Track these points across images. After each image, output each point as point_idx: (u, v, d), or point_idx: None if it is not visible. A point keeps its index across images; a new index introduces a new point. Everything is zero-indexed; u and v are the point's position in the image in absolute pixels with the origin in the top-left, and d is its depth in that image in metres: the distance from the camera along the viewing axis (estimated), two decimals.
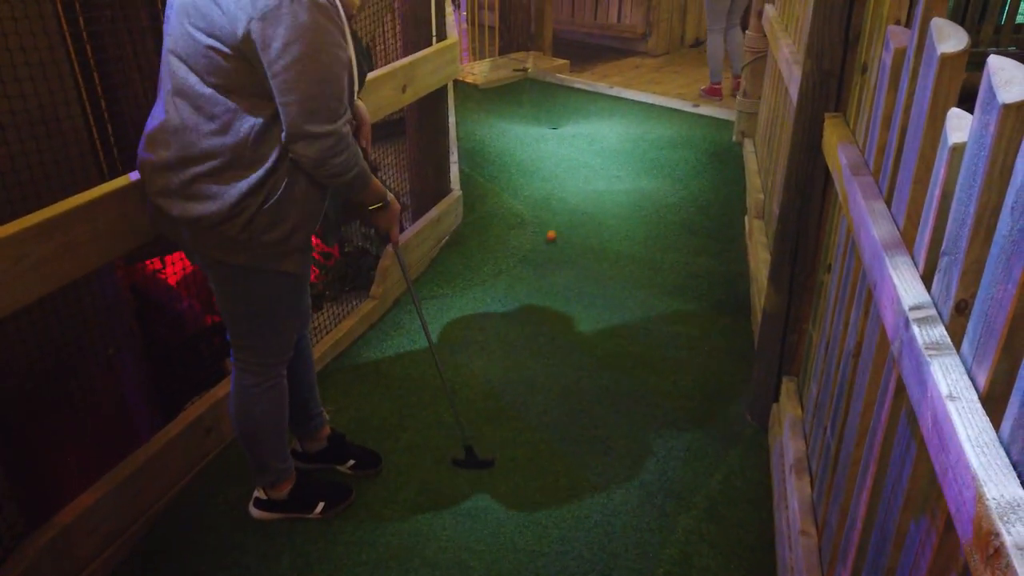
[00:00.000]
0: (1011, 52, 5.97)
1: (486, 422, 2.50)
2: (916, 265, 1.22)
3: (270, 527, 2.10)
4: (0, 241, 1.56)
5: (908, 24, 1.60)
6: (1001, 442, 0.81)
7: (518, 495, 2.22)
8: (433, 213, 3.54)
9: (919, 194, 1.27)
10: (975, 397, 0.89)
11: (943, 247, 1.06)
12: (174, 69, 1.63)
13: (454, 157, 4.00)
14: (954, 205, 1.02)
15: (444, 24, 3.50)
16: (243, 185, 1.63)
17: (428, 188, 3.64)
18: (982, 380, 0.89)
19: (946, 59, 1.18)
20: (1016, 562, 0.67)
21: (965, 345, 0.95)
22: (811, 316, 2.22)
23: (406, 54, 3.31)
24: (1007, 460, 0.78)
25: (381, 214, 1.94)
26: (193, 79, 1.60)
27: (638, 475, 2.29)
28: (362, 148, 2.03)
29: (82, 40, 2.04)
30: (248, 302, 1.82)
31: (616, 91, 5.77)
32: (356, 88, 1.74)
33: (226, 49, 1.55)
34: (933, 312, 1.08)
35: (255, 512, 2.12)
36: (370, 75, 2.85)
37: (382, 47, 3.54)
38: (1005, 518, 0.71)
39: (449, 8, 3.71)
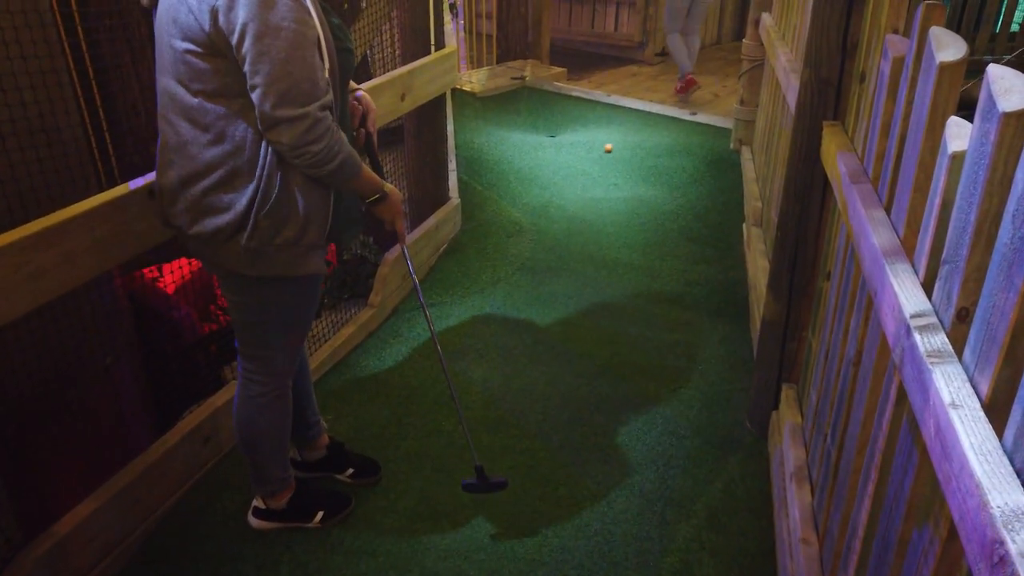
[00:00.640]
0: (1007, 60, 6.00)
1: (485, 430, 2.50)
2: (916, 273, 1.22)
3: (269, 536, 2.09)
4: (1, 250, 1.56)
5: (906, 33, 1.61)
6: (1004, 450, 0.81)
7: (518, 503, 2.21)
8: (431, 221, 3.54)
9: (919, 202, 1.27)
10: (978, 405, 0.89)
11: (944, 255, 1.06)
12: (164, 86, 1.62)
13: (452, 165, 4.00)
14: (954, 213, 1.02)
15: (443, 33, 3.51)
16: (249, 190, 1.62)
17: (426, 196, 3.64)
18: (984, 388, 0.89)
19: (945, 68, 1.18)
20: (1021, 570, 0.67)
21: (967, 353, 0.95)
22: (810, 323, 2.22)
23: (405, 63, 3.32)
24: (1011, 468, 0.78)
25: (381, 206, 1.86)
26: (181, 91, 1.59)
27: (638, 483, 2.28)
28: (368, 133, 2.01)
29: (81, 49, 2.05)
30: (264, 312, 1.80)
31: (613, 99, 5.79)
32: (335, 69, 1.64)
33: (199, 48, 1.53)
34: (934, 320, 1.08)
35: (254, 521, 2.11)
36: (369, 84, 2.86)
37: (380, 56, 3.54)
38: (1010, 526, 0.71)
39: (447, 17, 3.73)
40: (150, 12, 1.66)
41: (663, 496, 2.24)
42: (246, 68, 1.51)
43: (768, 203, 3.27)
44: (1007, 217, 0.84)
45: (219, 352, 2.53)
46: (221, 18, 1.48)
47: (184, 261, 2.49)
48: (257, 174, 1.61)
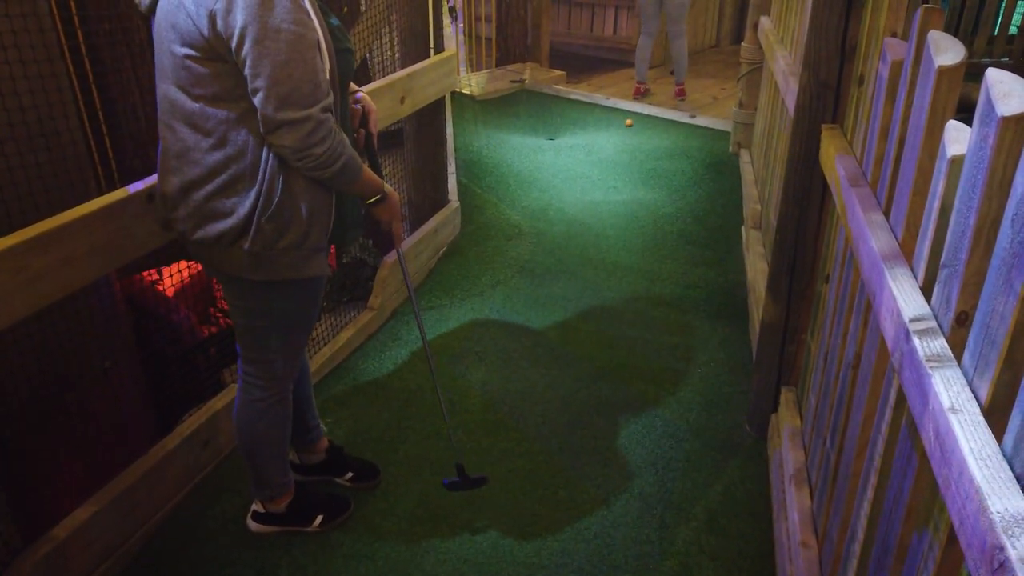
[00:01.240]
0: (1005, 63, 6.01)
1: (484, 433, 2.50)
2: (915, 276, 1.22)
3: (268, 540, 2.09)
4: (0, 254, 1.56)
5: (904, 36, 1.61)
6: (1004, 455, 0.81)
7: (517, 507, 2.21)
8: (431, 224, 3.54)
9: (917, 206, 1.27)
10: (977, 410, 0.89)
11: (943, 259, 1.06)
12: (164, 92, 1.62)
13: (452, 168, 4.00)
14: (953, 217, 1.02)
15: (442, 36, 3.52)
16: (252, 194, 1.61)
17: (426, 199, 3.64)
18: (984, 392, 0.89)
19: (944, 71, 1.18)
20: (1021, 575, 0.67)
21: (966, 357, 0.95)
22: (809, 326, 2.22)
23: (404, 66, 3.32)
24: (1010, 473, 0.78)
25: (380, 208, 1.85)
26: (181, 97, 1.58)
27: (637, 486, 2.28)
28: (369, 134, 2.01)
29: (81, 53, 2.05)
30: (267, 316, 1.80)
31: (612, 102, 5.80)
32: (334, 70, 1.63)
33: (198, 53, 1.52)
34: (933, 324, 1.08)
35: (253, 525, 2.11)
36: (368, 87, 2.86)
37: (379, 59, 3.54)
38: (1010, 532, 0.71)
39: (447, 20, 3.73)
40: (148, 18, 1.66)
41: (662, 499, 2.23)
42: (247, 72, 1.50)
43: (767, 206, 3.27)
44: (1006, 221, 0.84)
45: (218, 355, 2.53)
46: (219, 22, 1.47)
47: (183, 264, 2.49)
48: (259, 178, 1.60)
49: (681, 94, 6.12)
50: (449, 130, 3.93)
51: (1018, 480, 0.77)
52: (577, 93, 6.02)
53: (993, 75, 0.93)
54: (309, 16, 1.53)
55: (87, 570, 1.90)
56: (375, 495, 2.25)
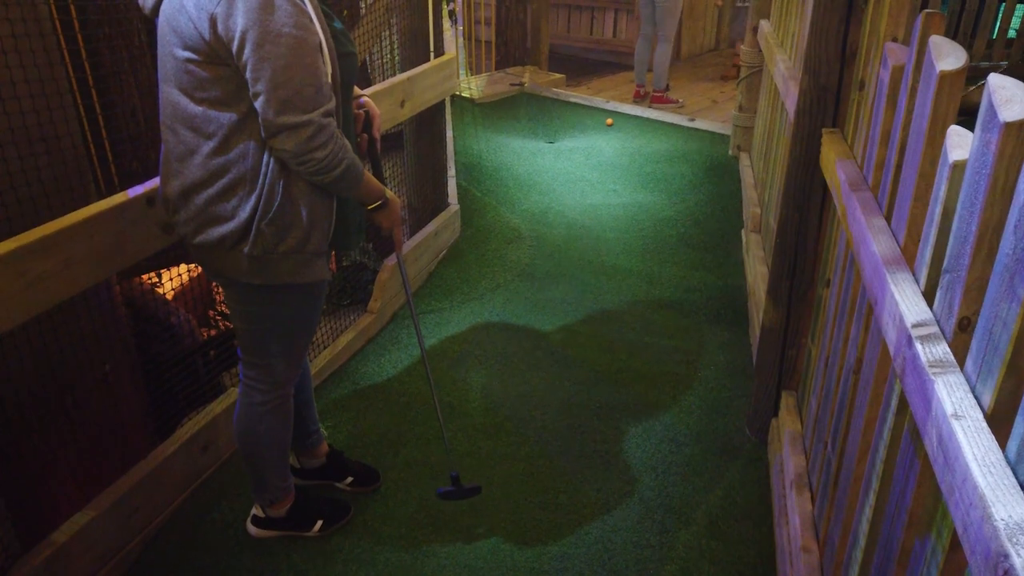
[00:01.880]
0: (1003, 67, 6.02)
1: (484, 436, 2.49)
2: (917, 281, 1.22)
3: (268, 545, 2.08)
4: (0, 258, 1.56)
5: (905, 41, 1.61)
6: (1008, 462, 0.81)
7: (517, 511, 2.20)
8: (431, 227, 3.54)
9: (919, 211, 1.27)
10: (980, 416, 0.89)
11: (945, 264, 1.06)
12: (166, 95, 1.62)
13: (452, 171, 4.00)
14: (955, 223, 1.02)
15: (442, 39, 3.52)
16: (252, 198, 1.61)
17: (426, 202, 3.64)
18: (987, 399, 0.89)
19: (945, 76, 1.18)
20: None
21: (969, 363, 0.95)
22: (810, 330, 2.22)
23: (404, 69, 3.32)
24: (1014, 480, 0.78)
25: (381, 213, 1.84)
26: (183, 100, 1.58)
27: (637, 490, 2.28)
28: (372, 139, 2.01)
29: (80, 57, 2.04)
30: (268, 320, 1.80)
31: (612, 105, 5.80)
32: (336, 74, 1.63)
33: (200, 57, 1.52)
34: (936, 329, 1.08)
35: (253, 530, 2.10)
36: (369, 90, 2.86)
37: (380, 62, 3.55)
38: (1014, 539, 0.71)
39: (447, 23, 3.73)
40: (152, 20, 1.66)
41: (663, 503, 2.23)
42: (248, 75, 1.50)
43: (767, 209, 3.27)
44: (1009, 228, 0.84)
45: (218, 358, 2.53)
46: (220, 26, 1.47)
47: (183, 267, 2.49)
48: (259, 182, 1.60)
49: (659, 100, 6.00)
50: (449, 133, 3.93)
51: (1022, 487, 0.77)
52: (576, 96, 6.03)
53: (995, 81, 0.93)
54: (311, 20, 1.53)
55: (86, 575, 1.89)
56: (375, 499, 2.24)
